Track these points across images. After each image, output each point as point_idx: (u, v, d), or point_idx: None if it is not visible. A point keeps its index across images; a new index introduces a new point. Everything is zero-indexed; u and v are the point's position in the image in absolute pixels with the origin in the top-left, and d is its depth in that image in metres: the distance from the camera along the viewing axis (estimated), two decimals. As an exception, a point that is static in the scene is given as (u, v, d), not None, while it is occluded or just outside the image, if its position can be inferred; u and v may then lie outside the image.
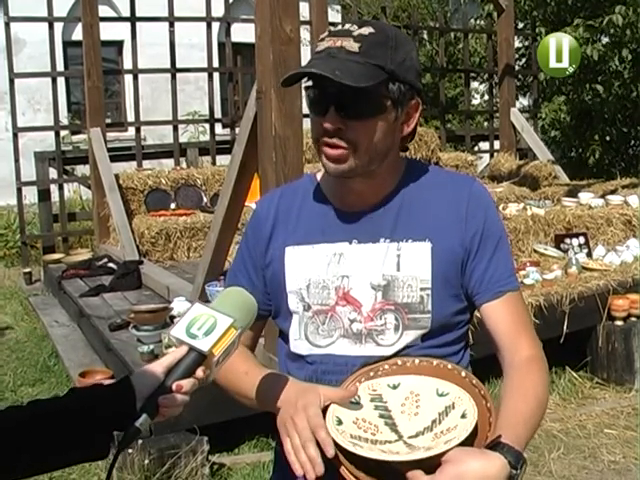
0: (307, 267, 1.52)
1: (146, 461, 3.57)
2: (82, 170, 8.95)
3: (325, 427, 1.31)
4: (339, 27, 1.42)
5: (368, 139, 1.43)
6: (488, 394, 1.36)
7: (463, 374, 1.41)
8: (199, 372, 1.28)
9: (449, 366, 1.42)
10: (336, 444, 1.30)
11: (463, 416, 1.30)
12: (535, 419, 1.38)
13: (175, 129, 8.39)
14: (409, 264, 1.47)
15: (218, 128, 9.20)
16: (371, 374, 1.43)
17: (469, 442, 1.28)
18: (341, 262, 1.50)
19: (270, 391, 1.45)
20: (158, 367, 1.31)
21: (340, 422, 1.34)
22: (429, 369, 1.42)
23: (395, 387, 1.40)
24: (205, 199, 7.65)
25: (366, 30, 1.39)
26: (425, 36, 13.10)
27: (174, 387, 1.26)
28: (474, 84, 12.40)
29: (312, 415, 1.33)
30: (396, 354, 1.47)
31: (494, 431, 1.29)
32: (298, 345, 1.54)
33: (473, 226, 1.50)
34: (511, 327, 1.49)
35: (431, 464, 1.23)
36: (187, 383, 1.27)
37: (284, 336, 1.58)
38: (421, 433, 1.32)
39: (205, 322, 1.29)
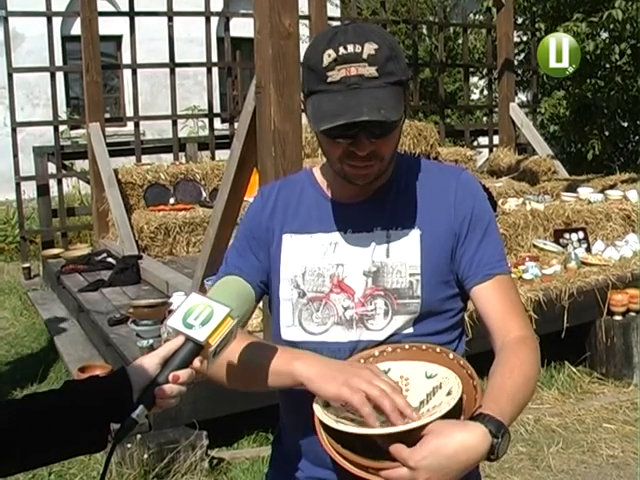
0: (304, 255, 1.55)
1: (145, 456, 3.58)
2: (81, 165, 8.94)
3: (401, 391, 1.34)
4: (341, 50, 1.38)
5: (392, 148, 1.49)
6: (475, 374, 1.38)
7: (451, 356, 1.43)
8: (196, 362, 1.28)
9: (437, 349, 1.45)
10: (325, 425, 1.32)
11: (448, 394, 1.32)
12: (521, 395, 1.38)
13: (174, 124, 8.38)
14: (398, 250, 1.51)
15: (217, 123, 9.19)
16: (361, 362, 1.45)
17: (456, 418, 1.29)
18: (336, 251, 1.53)
19: (300, 361, 1.40)
20: (154, 358, 1.31)
21: (328, 404, 1.36)
22: (418, 353, 1.45)
23: (385, 373, 1.42)
24: (204, 194, 7.65)
25: (371, 48, 1.38)
26: (424, 31, 13.09)
27: (170, 378, 1.26)
28: (473, 79, 12.39)
29: (387, 379, 1.35)
30: (386, 339, 1.49)
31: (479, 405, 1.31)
32: (290, 332, 1.55)
33: (462, 212, 1.53)
34: (501, 309, 1.50)
35: (415, 439, 1.25)
36: (184, 374, 1.27)
37: (274, 324, 1.60)
38: None
39: (202, 312, 1.28)
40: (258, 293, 1.58)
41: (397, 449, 1.24)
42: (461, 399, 1.31)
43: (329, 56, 1.38)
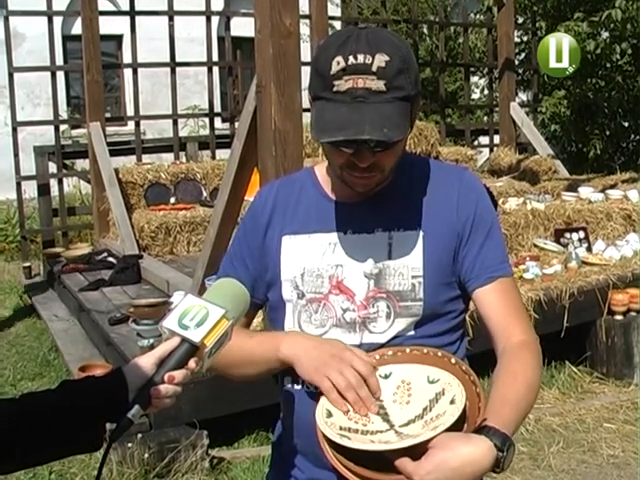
0: (303, 256, 1.54)
1: (146, 455, 3.58)
2: (82, 164, 8.93)
3: (375, 374, 1.39)
4: (350, 60, 1.34)
5: (395, 159, 1.47)
6: (478, 380, 1.36)
7: (453, 361, 1.42)
8: (191, 363, 1.29)
9: (439, 353, 1.43)
10: (325, 437, 1.32)
11: (452, 402, 1.31)
12: (525, 402, 1.38)
13: (175, 123, 8.38)
14: (400, 252, 1.49)
15: (218, 122, 9.18)
16: None
17: (458, 427, 1.28)
18: (336, 251, 1.52)
19: (286, 343, 1.46)
20: (150, 358, 1.31)
21: (330, 414, 1.35)
22: (420, 357, 1.43)
23: (387, 377, 1.41)
24: (205, 193, 7.64)
25: (381, 60, 1.34)
26: (425, 30, 13.08)
27: (166, 378, 1.27)
28: (474, 78, 12.38)
29: (360, 362, 1.39)
30: (388, 342, 1.48)
31: (483, 416, 1.30)
32: None
33: (464, 213, 1.52)
34: (503, 312, 1.49)
35: (420, 451, 1.24)
36: (179, 374, 1.28)
37: (278, 327, 1.59)
38: (412, 421, 1.33)
39: (197, 313, 1.29)
40: (251, 308, 1.59)
41: (402, 463, 1.24)
42: (464, 407, 1.30)
43: (338, 64, 1.35)
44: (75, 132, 11.16)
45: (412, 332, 1.49)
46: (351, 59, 1.35)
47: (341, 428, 1.32)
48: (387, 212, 1.52)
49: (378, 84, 1.35)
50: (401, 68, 1.37)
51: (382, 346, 1.48)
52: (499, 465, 1.25)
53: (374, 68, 1.34)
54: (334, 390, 1.36)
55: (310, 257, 1.53)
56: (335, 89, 1.36)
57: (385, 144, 1.37)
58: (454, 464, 1.22)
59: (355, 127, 1.33)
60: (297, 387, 1.51)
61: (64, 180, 8.26)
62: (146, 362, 1.31)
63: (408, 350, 1.45)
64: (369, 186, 1.48)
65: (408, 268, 1.49)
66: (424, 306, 1.48)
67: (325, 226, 1.55)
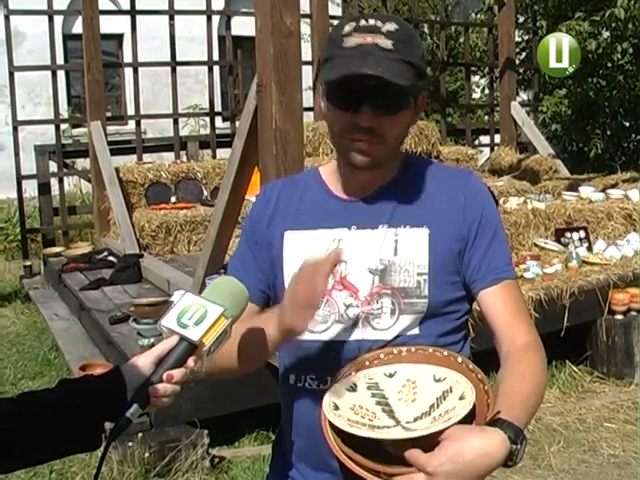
0: (305, 251, 1.53)
1: (146, 454, 3.58)
2: (82, 163, 8.95)
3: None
4: (362, 22, 1.43)
5: (396, 132, 1.48)
6: (485, 378, 1.36)
7: (459, 360, 1.41)
8: (190, 362, 1.29)
9: (445, 353, 1.42)
10: (334, 427, 1.30)
11: (461, 398, 1.30)
12: (533, 401, 1.37)
13: (175, 122, 8.38)
14: (406, 249, 1.49)
15: (218, 121, 9.20)
16: (366, 363, 1.43)
17: (467, 424, 1.27)
18: (339, 247, 1.51)
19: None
20: (149, 357, 1.31)
21: (337, 407, 1.34)
22: (425, 356, 1.42)
23: (391, 375, 1.40)
24: (205, 192, 7.65)
25: (391, 26, 1.42)
26: (426, 30, 13.08)
27: (165, 377, 1.27)
28: (475, 78, 12.39)
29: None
30: (393, 339, 1.48)
31: (492, 412, 1.29)
32: None
33: (471, 215, 1.52)
34: (508, 314, 1.49)
35: (429, 444, 1.22)
36: (178, 373, 1.28)
37: None
38: (419, 418, 1.32)
39: (196, 312, 1.29)
40: (259, 301, 1.59)
41: (413, 454, 1.22)
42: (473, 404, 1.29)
43: (350, 26, 1.43)
44: (76, 131, 11.16)
45: (416, 331, 1.49)
46: (362, 22, 1.43)
47: (349, 420, 1.31)
48: (392, 208, 1.52)
49: (386, 42, 1.40)
50: (410, 39, 1.44)
51: (387, 343, 1.47)
52: (512, 458, 1.24)
53: (384, 30, 1.41)
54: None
55: (313, 252, 1.52)
56: (344, 45, 1.42)
57: (387, 101, 1.40)
58: (468, 456, 1.20)
59: (356, 66, 1.38)
60: (299, 385, 1.51)
61: (65, 179, 8.27)
62: (144, 361, 1.31)
63: (413, 349, 1.44)
64: (368, 155, 1.46)
65: (414, 265, 1.48)
66: (429, 303, 1.48)
67: (329, 222, 1.55)
